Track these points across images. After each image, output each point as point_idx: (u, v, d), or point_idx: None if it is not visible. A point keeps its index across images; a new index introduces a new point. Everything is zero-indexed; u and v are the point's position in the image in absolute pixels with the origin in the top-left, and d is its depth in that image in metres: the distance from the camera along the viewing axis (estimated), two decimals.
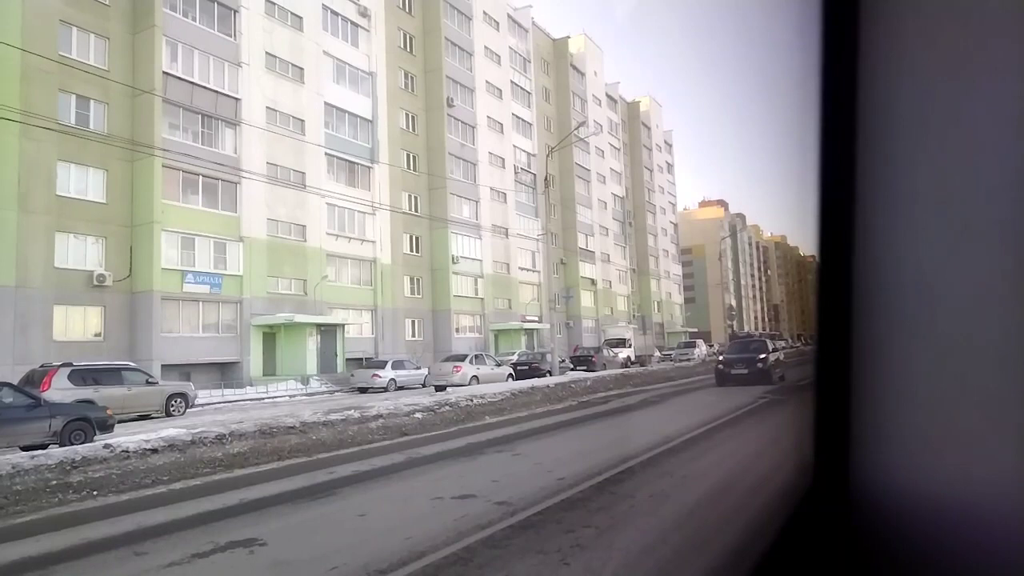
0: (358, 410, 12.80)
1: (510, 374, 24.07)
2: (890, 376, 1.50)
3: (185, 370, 25.50)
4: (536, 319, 46.06)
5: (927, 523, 1.45)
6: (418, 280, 39.13)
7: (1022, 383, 1.35)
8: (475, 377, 21.94)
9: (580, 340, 51.11)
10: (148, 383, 17.71)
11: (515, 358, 27.67)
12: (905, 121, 1.47)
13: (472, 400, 14.94)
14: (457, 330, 40.81)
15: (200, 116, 26.49)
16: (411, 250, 38.88)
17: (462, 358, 23.10)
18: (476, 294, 42.33)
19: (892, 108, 1.49)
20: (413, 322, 38.79)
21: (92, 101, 23.76)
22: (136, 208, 24.73)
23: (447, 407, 13.46)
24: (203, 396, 21.10)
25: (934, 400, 1.45)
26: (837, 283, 1.57)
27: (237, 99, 27.71)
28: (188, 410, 18.25)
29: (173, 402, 17.96)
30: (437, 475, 8.26)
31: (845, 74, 1.53)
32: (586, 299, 56.50)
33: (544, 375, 23.84)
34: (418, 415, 12.40)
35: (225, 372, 26.85)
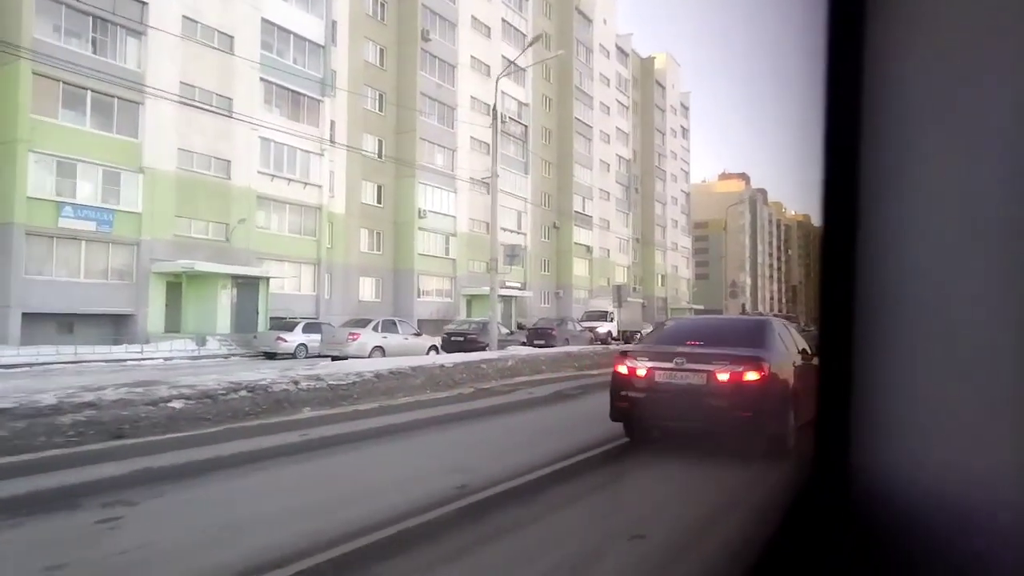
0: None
1: (433, 346, 19.71)
2: (892, 368, 1.51)
3: (66, 321, 21.64)
4: (518, 286, 41.67)
5: (927, 515, 1.44)
6: (378, 234, 34.85)
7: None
8: (379, 348, 17.55)
9: (570, 311, 46.57)
10: None
11: (452, 327, 23.24)
12: (913, 109, 1.46)
13: (317, 381, 10.70)
14: (424, 292, 36.67)
15: (92, 18, 22.04)
16: (373, 200, 34.55)
17: (364, 324, 18.75)
18: (447, 254, 37.97)
19: (900, 95, 1.48)
20: (373, 281, 34.67)
21: None
22: None
23: (244, 391, 9.24)
24: (28, 355, 17.20)
25: (936, 392, 1.46)
26: (841, 273, 1.57)
27: (143, 3, 23.22)
28: None
29: None
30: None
31: (852, 60, 1.52)
32: (580, 267, 51.88)
33: (483, 348, 19.54)
34: (176, 404, 8.13)
35: (119, 326, 22.91)
